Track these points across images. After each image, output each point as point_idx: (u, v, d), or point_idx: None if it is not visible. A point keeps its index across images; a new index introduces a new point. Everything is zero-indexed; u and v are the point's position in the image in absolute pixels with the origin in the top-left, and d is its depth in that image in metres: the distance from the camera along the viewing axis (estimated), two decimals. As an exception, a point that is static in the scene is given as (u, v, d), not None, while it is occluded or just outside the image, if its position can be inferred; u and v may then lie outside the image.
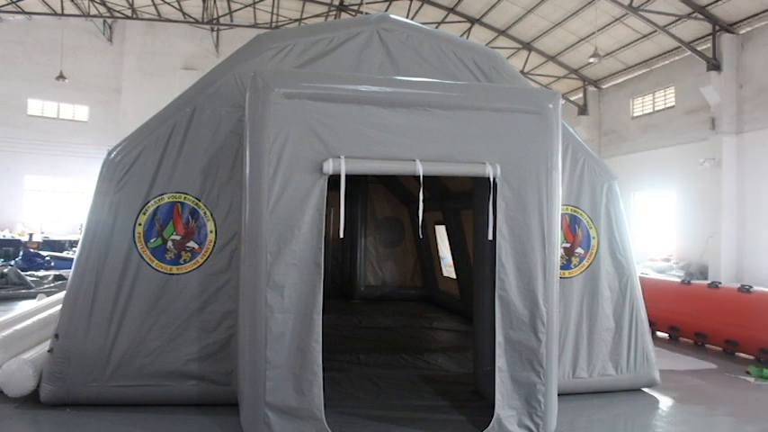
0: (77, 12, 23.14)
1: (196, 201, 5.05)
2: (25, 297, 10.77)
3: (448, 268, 10.78)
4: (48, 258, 16.33)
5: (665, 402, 5.62)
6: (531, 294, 4.41)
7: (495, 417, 4.30)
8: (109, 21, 25.44)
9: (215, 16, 22.82)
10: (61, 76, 22.65)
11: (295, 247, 4.02)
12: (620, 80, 21.17)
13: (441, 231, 10.54)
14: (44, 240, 20.78)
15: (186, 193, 5.04)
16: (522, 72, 18.04)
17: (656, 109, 19.50)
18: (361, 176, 10.69)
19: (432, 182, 8.84)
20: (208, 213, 5.06)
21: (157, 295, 4.92)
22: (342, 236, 4.30)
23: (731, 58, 15.79)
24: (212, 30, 25.18)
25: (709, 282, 8.33)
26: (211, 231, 5.05)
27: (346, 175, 4.06)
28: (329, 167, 4.05)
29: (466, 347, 7.06)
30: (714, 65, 15.94)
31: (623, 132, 21.07)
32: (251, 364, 4.02)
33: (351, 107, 4.15)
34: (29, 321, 5.90)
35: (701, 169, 16.23)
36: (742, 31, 15.75)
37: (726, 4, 15.22)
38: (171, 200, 5.02)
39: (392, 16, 5.68)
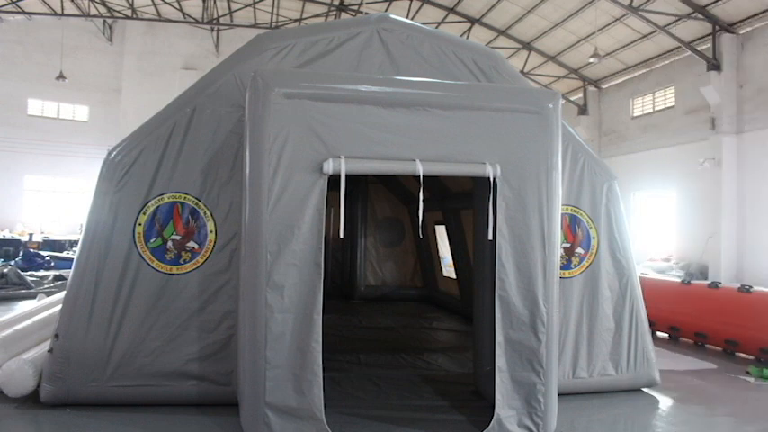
0: (77, 12, 23.14)
1: (196, 201, 5.05)
2: (25, 297, 10.76)
3: (448, 268, 10.77)
4: (48, 258, 16.32)
5: (665, 402, 5.62)
6: (531, 294, 4.42)
7: (495, 417, 4.30)
8: (109, 21, 25.45)
9: (215, 16, 22.82)
10: (61, 76, 22.65)
11: (295, 247, 4.03)
12: (620, 80, 21.16)
13: (441, 231, 10.53)
14: (44, 240, 20.77)
15: (186, 193, 5.05)
16: (522, 72, 18.03)
17: (656, 109, 19.49)
18: (361, 176, 10.68)
19: (432, 182, 8.84)
20: (208, 213, 5.06)
21: (157, 295, 4.92)
22: (342, 236, 4.30)
23: (731, 58, 15.79)
24: (212, 30, 25.18)
25: (709, 282, 8.33)
26: (211, 231, 5.05)
27: (346, 175, 4.06)
28: (329, 167, 4.06)
29: (466, 347, 7.06)
30: (714, 65, 15.94)
31: (623, 132, 21.06)
32: (251, 364, 4.03)
33: (351, 107, 4.15)
34: (29, 321, 5.90)
35: (701, 169, 16.23)
36: (742, 31, 15.75)
37: (726, 4, 15.22)
38: (171, 200, 5.02)
39: (392, 16, 5.68)
